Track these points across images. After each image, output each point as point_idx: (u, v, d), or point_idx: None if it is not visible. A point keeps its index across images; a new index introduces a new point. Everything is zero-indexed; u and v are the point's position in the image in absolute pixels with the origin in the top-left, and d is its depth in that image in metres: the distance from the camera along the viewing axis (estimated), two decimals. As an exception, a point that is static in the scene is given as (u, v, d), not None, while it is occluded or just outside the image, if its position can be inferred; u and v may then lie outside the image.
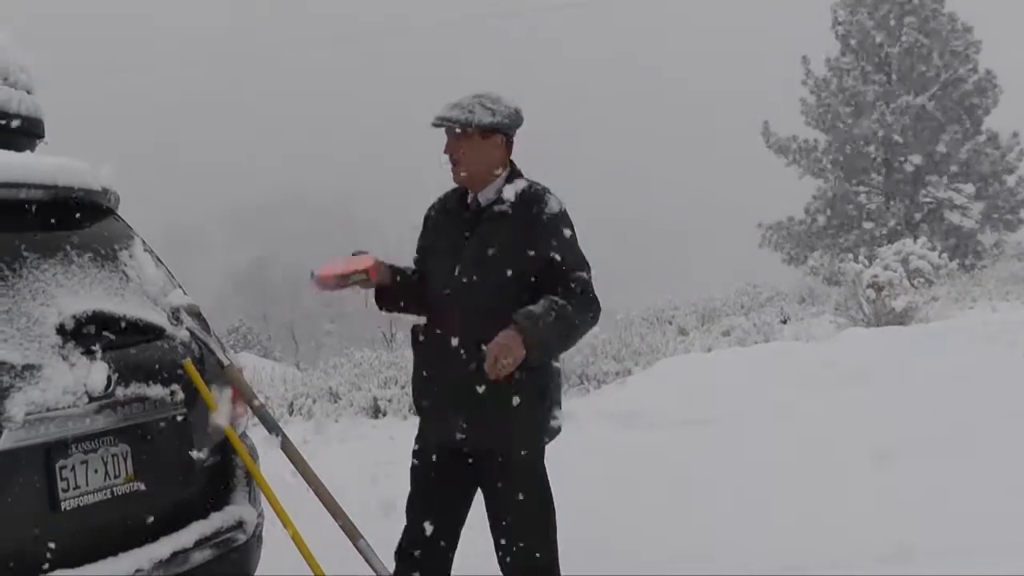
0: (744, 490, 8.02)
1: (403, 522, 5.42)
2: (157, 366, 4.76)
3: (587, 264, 5.30)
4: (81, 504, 4.31)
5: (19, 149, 4.98)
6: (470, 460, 5.31)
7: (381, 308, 5.66)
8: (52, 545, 4.16)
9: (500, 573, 5.32)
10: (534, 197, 5.28)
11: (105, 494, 4.43)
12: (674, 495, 8.06)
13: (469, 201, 5.38)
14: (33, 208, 4.63)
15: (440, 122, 5.22)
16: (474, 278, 5.19)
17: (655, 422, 11.01)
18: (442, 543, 5.41)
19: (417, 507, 5.39)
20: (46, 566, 4.11)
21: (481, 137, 5.21)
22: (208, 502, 5.00)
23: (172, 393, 4.77)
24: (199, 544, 4.71)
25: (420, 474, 5.42)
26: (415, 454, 5.46)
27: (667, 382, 13.23)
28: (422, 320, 5.49)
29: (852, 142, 41.28)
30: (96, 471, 4.40)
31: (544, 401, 5.28)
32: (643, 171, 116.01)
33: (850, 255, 26.99)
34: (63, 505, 4.23)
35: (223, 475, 5.18)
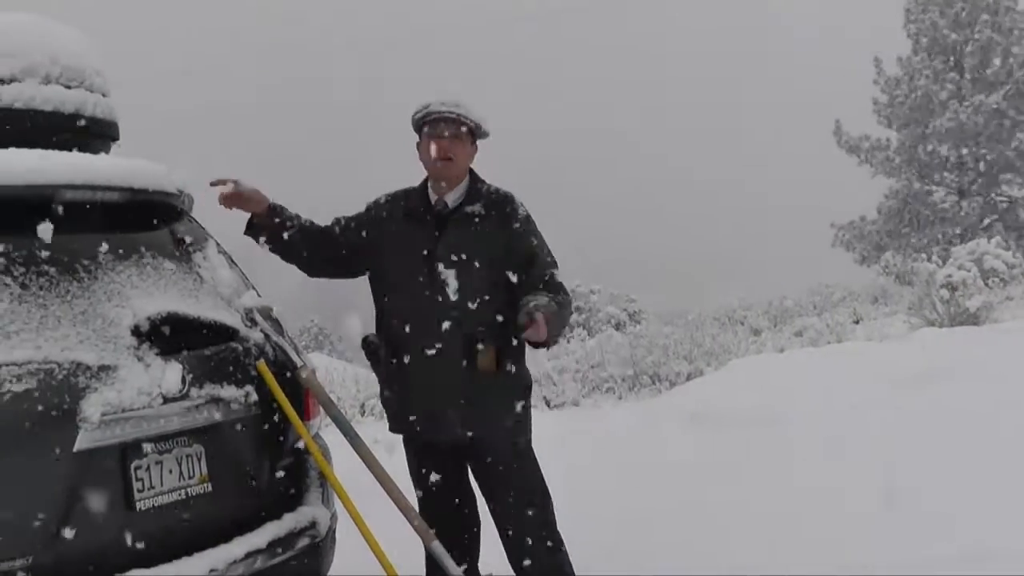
0: (815, 491, 7.98)
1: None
2: (231, 367, 4.78)
3: (556, 264, 5.46)
4: (156, 504, 4.33)
5: (94, 151, 5.01)
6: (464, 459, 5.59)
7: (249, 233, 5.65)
8: (128, 545, 4.19)
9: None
10: (504, 199, 5.46)
11: (179, 494, 4.45)
12: (744, 495, 8.03)
13: (434, 202, 5.47)
14: (108, 210, 4.66)
15: (458, 116, 5.32)
16: (454, 279, 5.28)
17: (727, 422, 10.95)
18: (466, 537, 5.72)
19: (434, 512, 5.55)
20: (122, 566, 4.13)
21: (472, 141, 5.41)
22: (281, 503, 5.01)
23: (246, 394, 4.79)
24: (272, 545, 4.72)
25: (425, 483, 5.63)
26: (415, 472, 5.70)
27: (739, 382, 13.15)
28: (370, 329, 5.75)
29: (924, 141, 40.93)
30: (170, 471, 4.42)
31: (530, 395, 5.57)
32: (716, 171, 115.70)
33: (923, 255, 26.78)
34: (138, 505, 4.26)
35: (296, 476, 5.19)
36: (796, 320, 26.19)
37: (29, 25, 4.91)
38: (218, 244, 5.32)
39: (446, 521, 5.55)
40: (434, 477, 5.58)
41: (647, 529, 5.72)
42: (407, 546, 5.15)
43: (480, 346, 5.22)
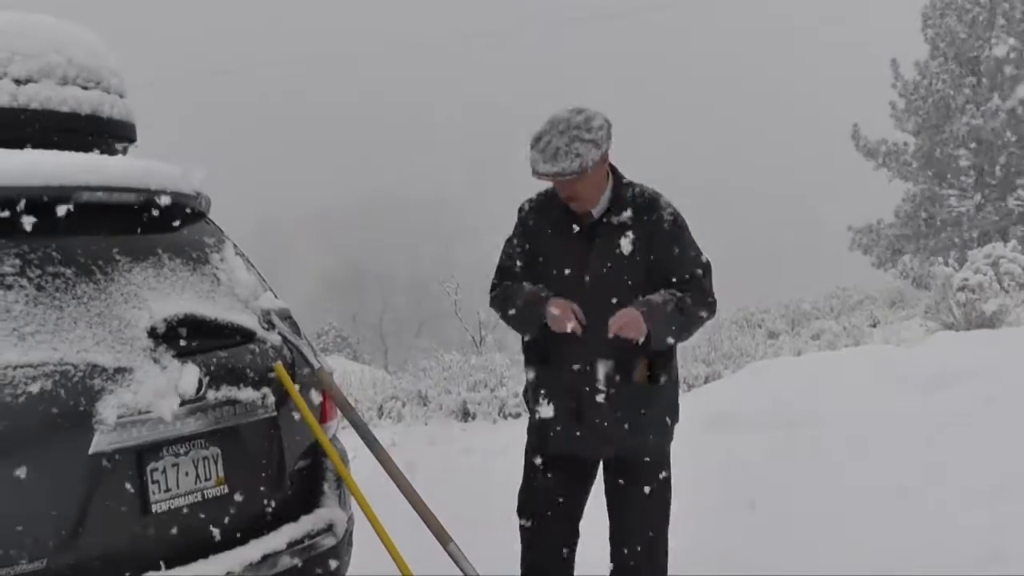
0: (829, 493, 7.96)
1: (492, 524, 5.44)
2: (248, 369, 4.76)
3: (704, 263, 5.38)
4: (172, 507, 4.32)
5: (111, 153, 5.01)
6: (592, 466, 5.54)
7: None
8: (143, 547, 4.18)
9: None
10: (649, 204, 5.32)
11: (196, 497, 4.44)
12: (762, 496, 8.01)
13: (580, 214, 5.36)
14: (125, 211, 4.65)
15: (555, 178, 5.11)
16: (608, 291, 5.24)
17: (745, 425, 10.95)
18: (565, 550, 5.62)
19: (546, 516, 5.55)
20: (137, 569, 4.12)
21: (593, 170, 5.14)
22: (298, 505, 5.00)
23: (263, 396, 4.78)
24: (289, 547, 4.71)
25: (547, 485, 5.56)
26: (537, 469, 5.58)
27: (756, 385, 13.15)
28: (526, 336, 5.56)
29: (942, 145, 40.86)
30: (187, 474, 4.41)
31: (673, 417, 5.54)
32: (734, 174, 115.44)
33: (940, 258, 26.73)
34: (154, 508, 4.25)
35: (313, 478, 5.18)
36: (813, 323, 26.18)
37: (46, 26, 4.91)
38: (235, 246, 5.31)
39: (556, 535, 5.59)
40: (560, 491, 5.55)
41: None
42: (424, 548, 5.13)
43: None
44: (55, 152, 4.43)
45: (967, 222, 40.87)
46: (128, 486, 4.17)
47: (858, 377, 12.65)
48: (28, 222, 4.18)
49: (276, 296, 5.25)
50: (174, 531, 4.32)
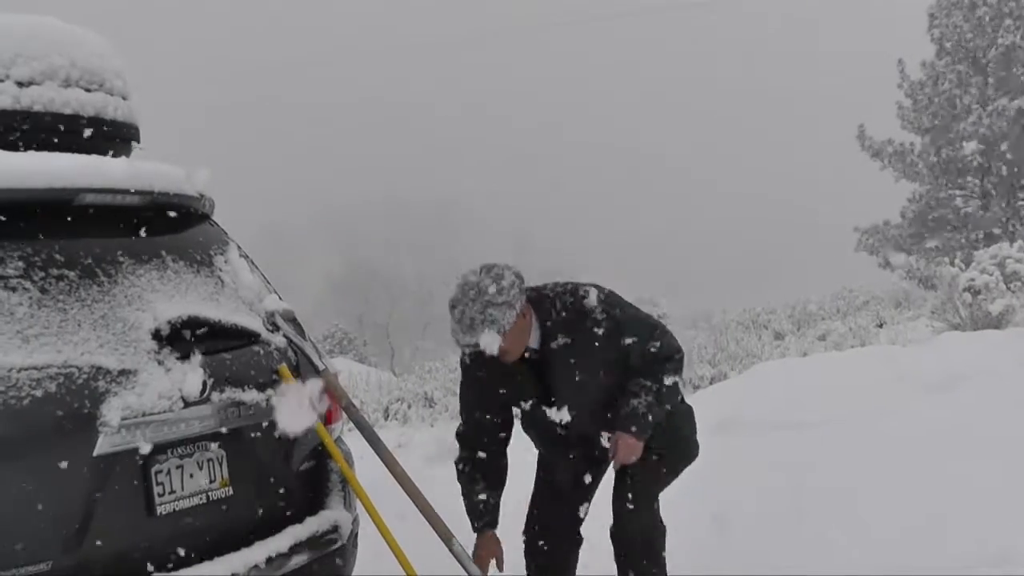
0: (836, 493, 7.95)
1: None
2: (252, 371, 4.76)
3: (654, 328, 5.50)
4: (177, 508, 4.33)
5: (115, 155, 5.00)
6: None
7: None
8: (148, 549, 4.19)
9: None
10: (577, 318, 5.38)
11: (200, 498, 4.44)
12: (767, 498, 8.00)
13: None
14: (129, 214, 4.65)
15: (476, 349, 5.16)
16: (583, 401, 5.40)
17: (751, 426, 10.93)
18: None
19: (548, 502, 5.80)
20: (142, 570, 4.13)
21: (513, 329, 5.17)
22: (303, 506, 5.00)
23: (268, 398, 4.78)
24: (294, 548, 4.71)
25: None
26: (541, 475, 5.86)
27: (763, 386, 13.13)
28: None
29: (948, 145, 40.79)
30: (191, 476, 4.41)
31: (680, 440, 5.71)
32: (739, 175, 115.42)
33: (946, 259, 26.72)
34: (159, 509, 4.25)
35: (318, 479, 5.18)
36: (819, 324, 26.23)
37: (49, 28, 4.91)
38: (239, 247, 5.31)
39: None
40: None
41: (668, 533, 5.71)
42: (429, 549, 5.13)
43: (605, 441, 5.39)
44: (58, 154, 4.43)
45: (973, 222, 40.84)
46: (133, 488, 4.17)
47: (864, 378, 12.63)
48: (31, 224, 4.18)
49: (280, 298, 5.25)
50: (179, 533, 4.32)
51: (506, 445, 5.65)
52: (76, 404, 3.95)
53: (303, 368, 5.12)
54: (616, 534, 5.56)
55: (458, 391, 5.78)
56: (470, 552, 5.16)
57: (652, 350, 5.36)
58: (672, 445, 5.54)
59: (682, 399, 5.72)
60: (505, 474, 5.62)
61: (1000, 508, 7.22)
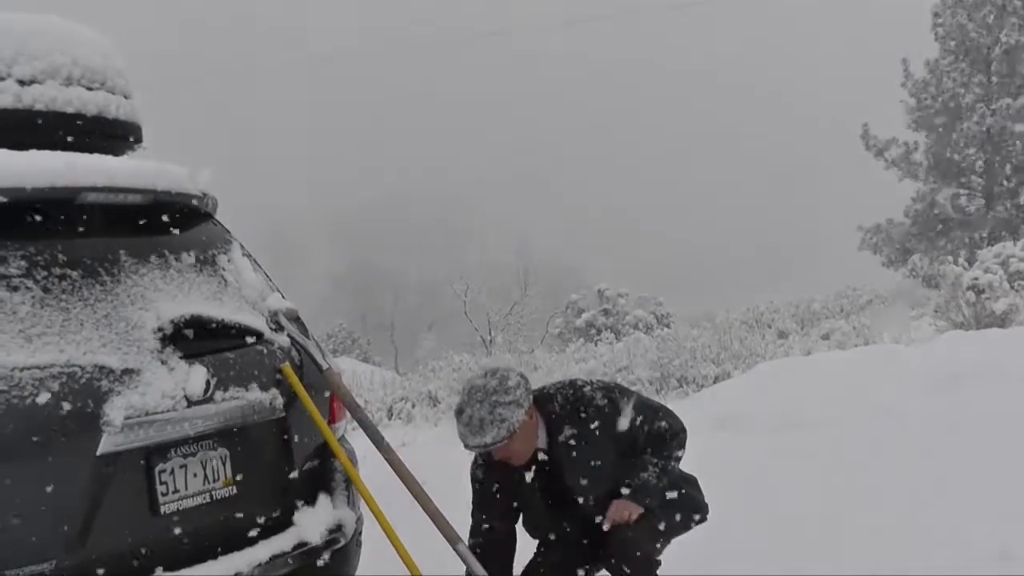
0: (839, 493, 7.95)
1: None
2: (256, 370, 4.75)
3: (657, 407, 5.54)
4: (180, 507, 4.32)
5: (117, 154, 5.00)
6: None
7: None
8: (152, 548, 4.18)
9: None
10: (577, 408, 5.39)
11: (204, 498, 4.44)
12: (772, 496, 8.00)
13: (526, 462, 5.42)
14: (131, 213, 4.64)
15: (486, 448, 5.14)
16: (595, 493, 5.35)
17: (755, 425, 10.94)
18: None
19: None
20: (146, 569, 4.12)
21: (521, 429, 5.16)
22: (307, 505, 4.99)
23: (271, 397, 4.77)
24: (298, 547, 4.71)
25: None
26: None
27: (766, 385, 13.14)
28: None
29: (952, 144, 40.82)
30: (195, 475, 4.41)
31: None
32: (743, 175, 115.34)
33: (950, 258, 26.72)
34: (162, 508, 4.25)
35: (322, 478, 5.17)
36: (823, 323, 26.19)
37: (51, 27, 4.90)
38: (242, 246, 5.30)
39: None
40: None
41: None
42: (433, 548, 5.12)
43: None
44: (60, 153, 4.42)
45: (977, 221, 40.84)
46: (136, 487, 4.17)
47: (868, 377, 12.63)
48: (34, 224, 4.18)
49: (284, 297, 5.24)
50: (183, 532, 4.31)
51: (514, 538, 5.64)
52: (79, 404, 3.94)
53: (306, 367, 5.11)
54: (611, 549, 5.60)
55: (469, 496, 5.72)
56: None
57: (659, 428, 5.39)
58: (670, 504, 5.49)
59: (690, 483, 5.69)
60: (512, 556, 5.62)
61: (1003, 506, 7.22)
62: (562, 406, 5.37)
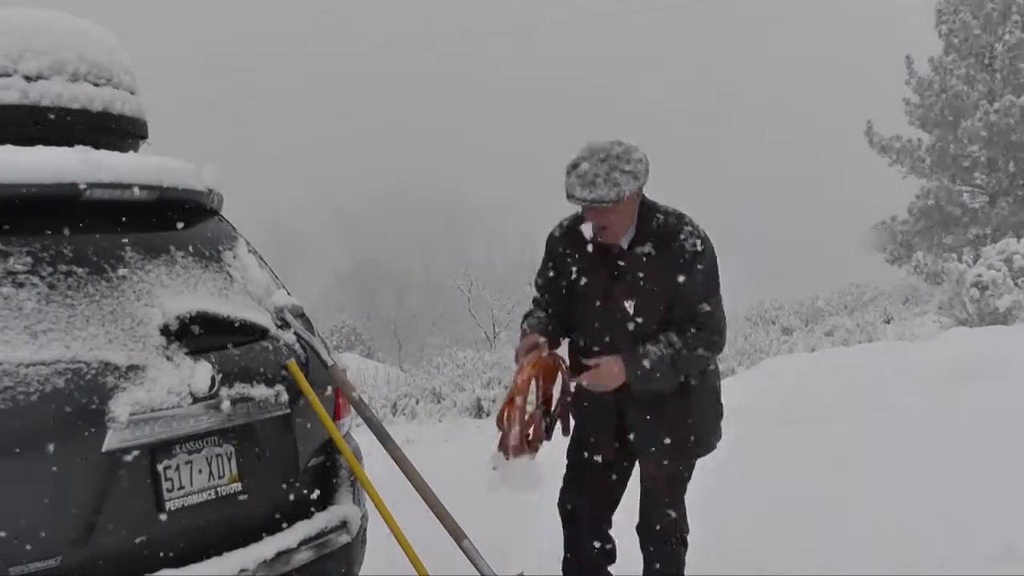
0: (843, 490, 7.95)
1: (506, 521, 5.46)
2: (261, 367, 4.75)
3: (718, 298, 5.39)
4: (186, 504, 4.32)
5: (123, 150, 5.00)
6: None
7: None
8: (157, 545, 4.18)
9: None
10: (671, 233, 5.31)
11: (209, 494, 4.43)
12: (776, 494, 7.99)
13: (608, 245, 5.38)
14: (137, 209, 4.64)
15: (591, 204, 5.10)
16: (631, 317, 5.28)
17: (759, 422, 10.91)
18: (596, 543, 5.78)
19: (578, 506, 5.74)
20: (151, 566, 4.12)
21: (628, 201, 5.15)
22: (312, 502, 4.99)
23: (276, 394, 4.77)
24: (303, 544, 4.71)
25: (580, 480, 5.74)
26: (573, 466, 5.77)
27: (771, 382, 13.13)
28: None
29: (956, 141, 40.79)
30: (200, 471, 4.41)
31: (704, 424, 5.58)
32: (748, 171, 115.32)
33: (953, 255, 26.72)
34: (168, 505, 4.24)
35: (327, 475, 5.17)
36: (827, 319, 26.22)
37: (57, 22, 4.90)
38: (248, 243, 5.30)
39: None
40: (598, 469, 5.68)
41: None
42: (439, 546, 5.11)
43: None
44: (66, 149, 4.41)
45: (981, 218, 40.82)
46: (141, 484, 4.16)
47: (871, 374, 12.62)
48: (39, 220, 4.18)
49: (289, 293, 5.24)
50: (188, 529, 4.31)
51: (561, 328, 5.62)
52: (84, 400, 3.95)
53: (312, 364, 5.11)
54: (642, 525, 5.69)
55: (537, 271, 5.74)
56: (481, 550, 5.13)
57: (701, 310, 5.29)
58: (691, 427, 5.49)
59: (718, 397, 5.68)
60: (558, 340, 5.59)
61: (1008, 504, 7.21)
62: (660, 223, 5.33)
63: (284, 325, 5.07)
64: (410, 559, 4.91)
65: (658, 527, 5.63)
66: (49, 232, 4.22)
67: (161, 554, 4.19)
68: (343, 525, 5.02)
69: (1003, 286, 20.30)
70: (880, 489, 7.94)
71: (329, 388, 5.21)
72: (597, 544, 5.75)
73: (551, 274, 5.59)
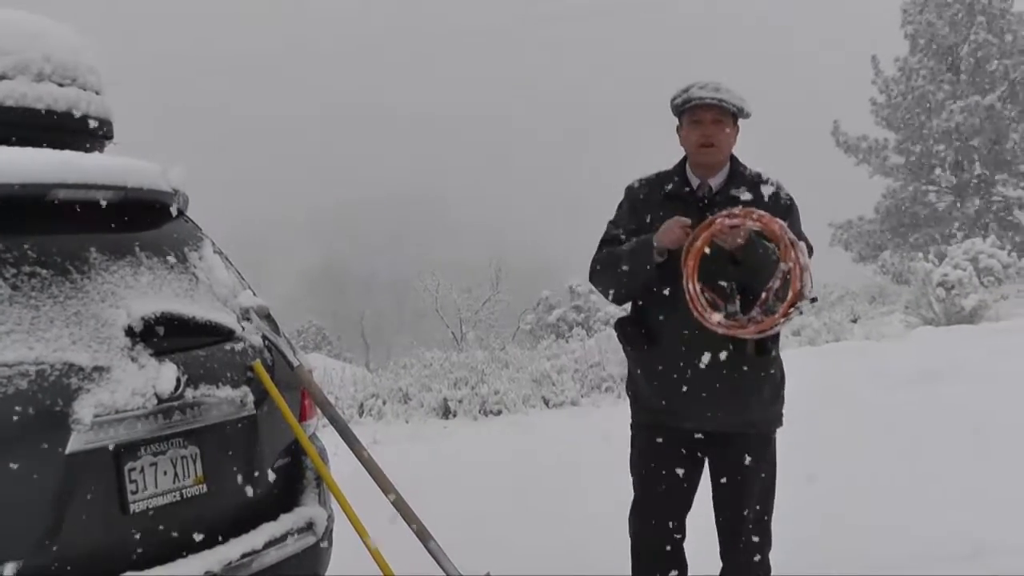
0: (808, 491, 7.97)
1: (474, 522, 5.43)
2: (226, 368, 4.74)
3: (809, 246, 5.31)
4: (150, 506, 4.29)
5: (88, 150, 4.98)
6: (700, 450, 5.49)
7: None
8: (122, 547, 4.16)
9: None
10: (764, 182, 5.36)
11: (174, 496, 4.42)
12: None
13: (696, 186, 5.38)
14: (102, 209, 4.62)
15: (720, 102, 5.16)
16: (721, 266, 5.09)
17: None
18: (677, 536, 5.63)
19: (657, 503, 5.56)
20: (115, 569, 4.10)
21: (735, 123, 5.27)
22: (278, 503, 4.98)
23: (242, 395, 4.76)
24: (269, 545, 4.70)
25: (658, 471, 5.52)
26: (645, 453, 5.58)
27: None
28: (624, 311, 5.64)
29: (922, 141, 41.04)
30: (165, 473, 4.39)
31: (782, 391, 5.48)
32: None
33: (920, 254, 26.86)
34: (132, 507, 4.22)
35: (293, 477, 5.16)
36: (794, 319, 26.23)
37: (22, 22, 4.88)
38: (214, 244, 5.28)
39: (665, 521, 5.57)
40: (667, 472, 5.49)
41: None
42: (404, 547, 5.11)
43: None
44: (30, 149, 4.39)
45: (947, 218, 41.06)
46: (105, 486, 4.14)
47: (839, 373, 12.67)
48: (3, 220, 4.15)
49: (255, 294, 5.23)
50: (153, 530, 4.29)
51: None
52: (48, 401, 3.92)
53: (278, 365, 5.10)
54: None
55: (611, 220, 5.65)
56: (447, 551, 5.11)
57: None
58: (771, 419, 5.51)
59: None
60: None
61: (974, 500, 7.26)
62: (750, 173, 5.42)
63: (250, 326, 5.05)
64: (376, 560, 4.91)
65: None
66: (13, 233, 4.19)
67: (125, 556, 4.17)
68: (309, 526, 5.01)
69: (969, 286, 20.42)
70: (844, 490, 7.97)
71: (296, 389, 5.20)
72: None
73: (630, 221, 5.49)
